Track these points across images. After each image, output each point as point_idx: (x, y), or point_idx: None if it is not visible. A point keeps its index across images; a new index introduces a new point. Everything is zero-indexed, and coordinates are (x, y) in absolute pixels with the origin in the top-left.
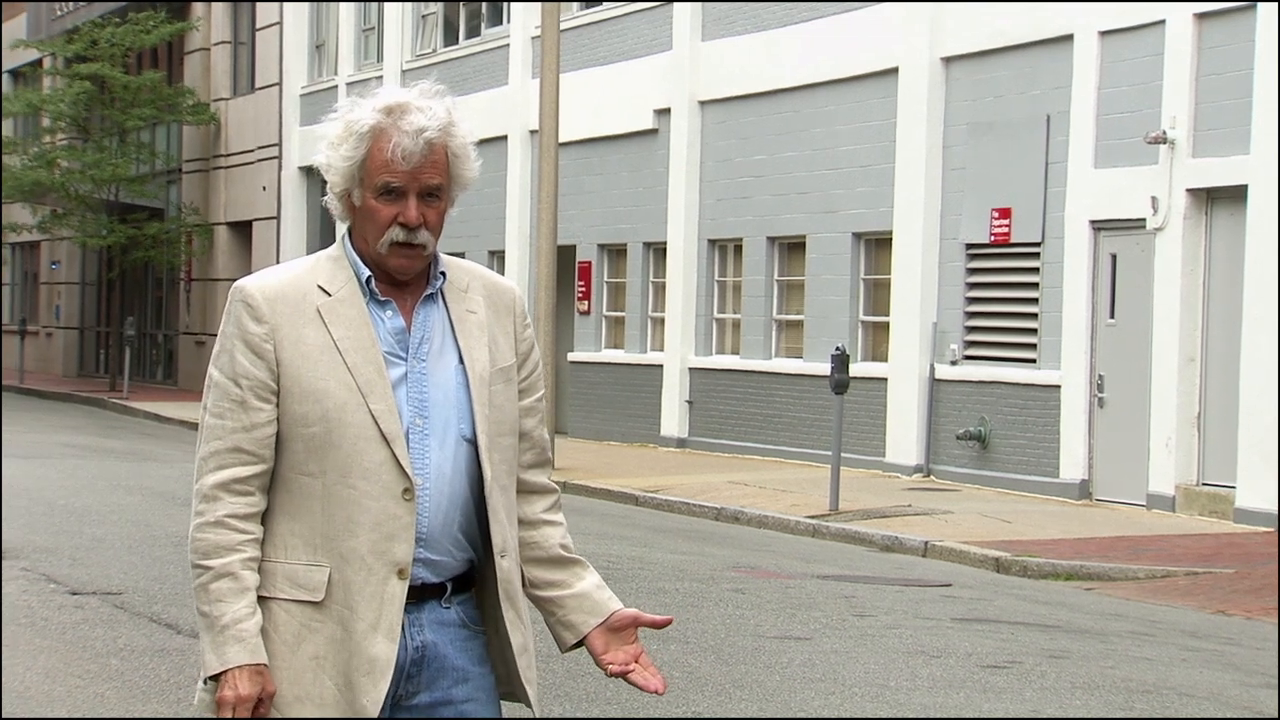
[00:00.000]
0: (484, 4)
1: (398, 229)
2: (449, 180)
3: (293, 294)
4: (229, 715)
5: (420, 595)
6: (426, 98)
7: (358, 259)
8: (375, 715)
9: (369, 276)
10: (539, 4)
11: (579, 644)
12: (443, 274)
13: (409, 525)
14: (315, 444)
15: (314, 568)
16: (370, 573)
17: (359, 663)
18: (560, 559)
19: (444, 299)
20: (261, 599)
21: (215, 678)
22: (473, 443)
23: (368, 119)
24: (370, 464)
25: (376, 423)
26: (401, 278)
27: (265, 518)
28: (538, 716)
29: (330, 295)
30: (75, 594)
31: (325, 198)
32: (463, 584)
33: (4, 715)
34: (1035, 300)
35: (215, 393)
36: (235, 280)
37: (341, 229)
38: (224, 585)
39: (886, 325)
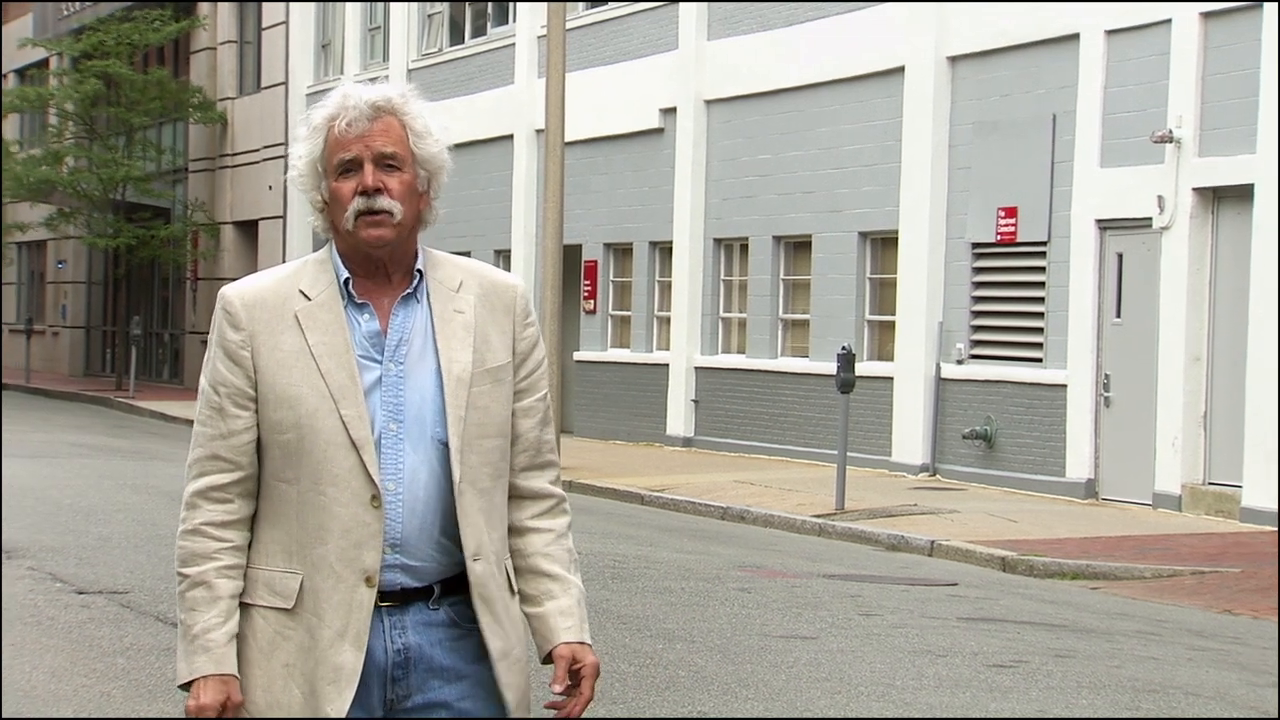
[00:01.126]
0: (489, 3)
1: (358, 199)
2: (410, 155)
3: (273, 300)
4: None
5: (404, 599)
6: (380, 84)
7: (339, 262)
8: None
9: (347, 279)
10: (544, 3)
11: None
12: (419, 272)
13: (377, 533)
14: (289, 450)
15: (288, 575)
16: (339, 580)
17: (324, 671)
18: (537, 571)
19: (429, 299)
20: (244, 605)
21: (187, 686)
22: (447, 445)
23: (320, 114)
24: (339, 470)
25: (346, 429)
26: (377, 252)
27: (252, 524)
28: (541, 717)
29: (310, 300)
30: (81, 593)
31: (310, 218)
32: (454, 586)
33: (6, 714)
34: (1041, 299)
35: (201, 400)
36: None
37: None
38: (197, 594)
39: (892, 324)
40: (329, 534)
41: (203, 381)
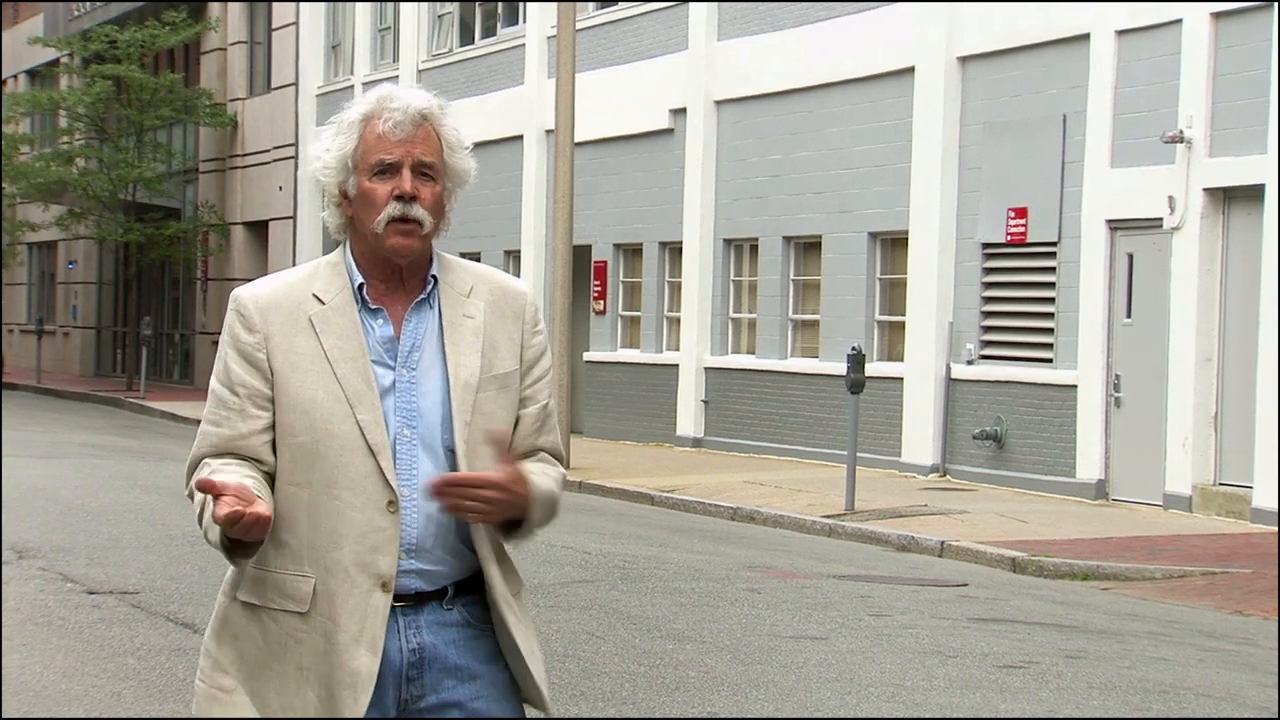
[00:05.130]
0: (500, 4)
1: (394, 204)
2: (443, 165)
3: (287, 303)
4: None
5: (418, 599)
6: (418, 90)
7: (354, 265)
8: None
9: (361, 284)
10: (555, 4)
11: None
12: (434, 278)
13: (393, 537)
14: (302, 454)
15: (300, 578)
16: (353, 585)
17: (341, 675)
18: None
19: (439, 304)
20: (253, 607)
21: (232, 550)
22: (454, 451)
23: (358, 110)
24: (355, 475)
25: (363, 433)
26: (401, 260)
27: None
28: (553, 717)
29: (324, 304)
30: (92, 593)
31: (323, 213)
32: (468, 586)
33: (17, 714)
34: (1052, 300)
35: (213, 400)
36: (250, 280)
37: None
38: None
39: (902, 325)
40: (344, 538)
41: (214, 383)
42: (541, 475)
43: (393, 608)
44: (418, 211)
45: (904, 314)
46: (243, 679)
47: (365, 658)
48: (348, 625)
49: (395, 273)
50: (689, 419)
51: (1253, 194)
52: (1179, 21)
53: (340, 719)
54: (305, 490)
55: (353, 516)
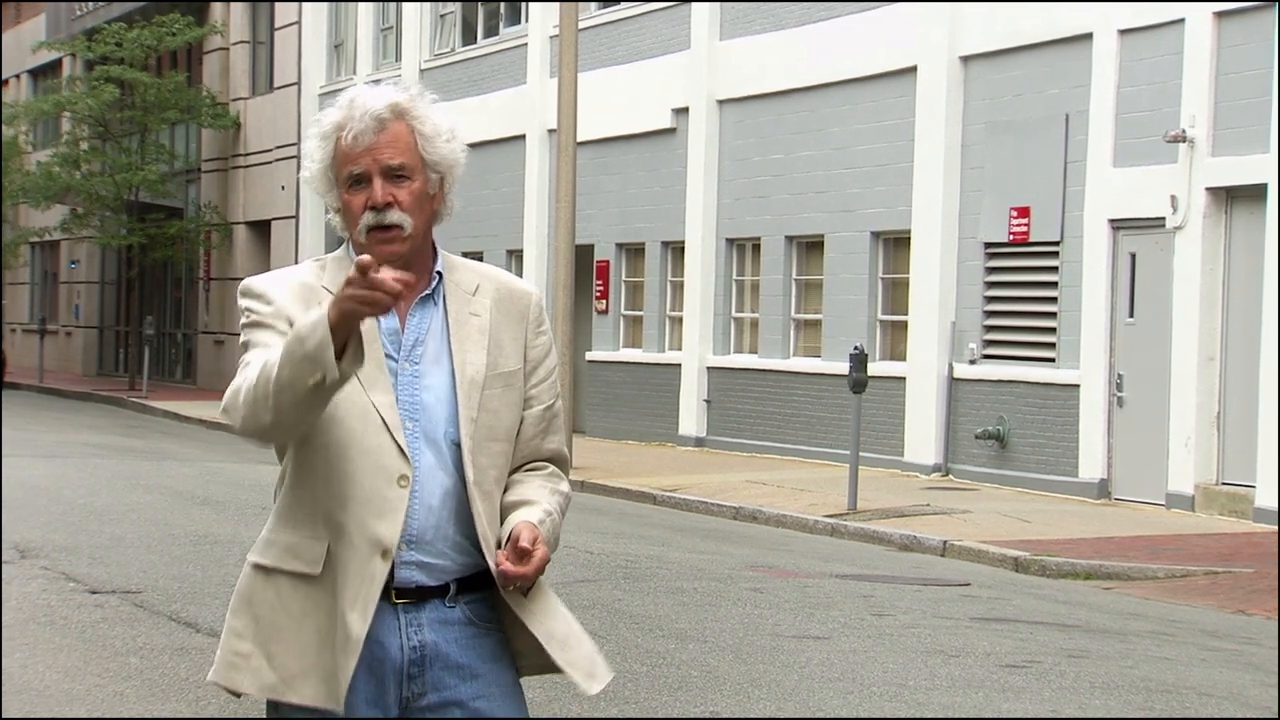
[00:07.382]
0: (502, 3)
1: (368, 214)
2: (419, 161)
3: (299, 290)
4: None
5: (420, 596)
6: (386, 87)
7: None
8: (343, 692)
9: None
10: (557, 3)
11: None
12: (439, 274)
13: (398, 509)
14: (323, 419)
15: (314, 541)
16: (354, 549)
17: (340, 638)
18: (510, 504)
19: (445, 301)
20: (265, 570)
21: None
22: (460, 446)
23: (330, 118)
24: (369, 444)
25: (379, 411)
26: (391, 264)
27: (279, 490)
28: (558, 717)
29: (332, 294)
30: (95, 593)
31: (328, 215)
32: (472, 584)
33: (19, 715)
34: (1054, 299)
35: (246, 354)
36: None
37: None
38: (266, 350)
39: (905, 324)
40: (350, 501)
41: (242, 351)
42: (549, 522)
43: (394, 604)
44: (394, 216)
45: (906, 313)
46: (259, 643)
47: (356, 621)
48: (346, 588)
49: (398, 268)
50: (691, 418)
51: (1255, 193)
52: (1181, 21)
53: (337, 682)
54: (322, 453)
55: (361, 481)
